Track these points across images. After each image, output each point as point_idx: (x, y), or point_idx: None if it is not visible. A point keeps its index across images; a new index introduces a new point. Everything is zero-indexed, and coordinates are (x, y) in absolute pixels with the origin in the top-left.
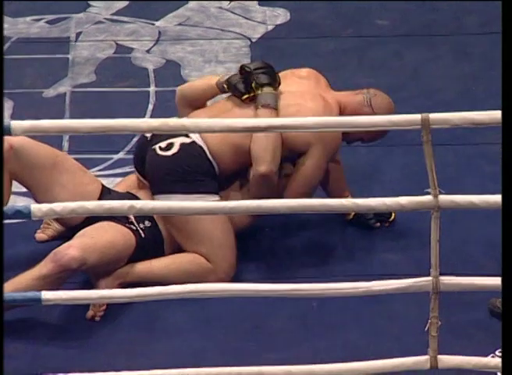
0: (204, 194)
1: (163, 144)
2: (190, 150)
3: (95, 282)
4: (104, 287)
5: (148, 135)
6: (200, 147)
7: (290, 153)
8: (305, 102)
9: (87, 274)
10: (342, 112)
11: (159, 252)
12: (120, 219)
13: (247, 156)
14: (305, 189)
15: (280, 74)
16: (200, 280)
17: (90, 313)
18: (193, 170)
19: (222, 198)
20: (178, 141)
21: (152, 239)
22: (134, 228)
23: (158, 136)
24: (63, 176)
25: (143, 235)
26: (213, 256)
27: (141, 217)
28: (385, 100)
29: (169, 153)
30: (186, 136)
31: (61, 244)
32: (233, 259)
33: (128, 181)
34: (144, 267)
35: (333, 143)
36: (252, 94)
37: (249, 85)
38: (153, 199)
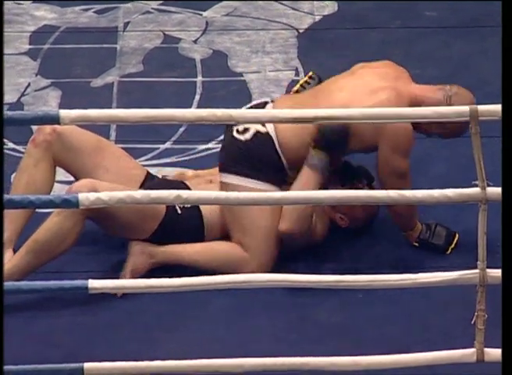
0: (267, 183)
1: (240, 127)
2: (262, 140)
3: (128, 260)
4: (137, 264)
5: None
6: (271, 138)
7: (365, 150)
8: (369, 97)
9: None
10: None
11: (197, 236)
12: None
13: None
14: (392, 180)
15: (356, 66)
16: (233, 271)
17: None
18: (260, 160)
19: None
20: (253, 128)
21: (189, 220)
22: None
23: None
24: (107, 160)
25: (179, 211)
26: (255, 247)
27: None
28: (466, 100)
29: (243, 138)
30: (263, 124)
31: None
32: (275, 254)
33: (186, 173)
34: (178, 250)
35: (401, 137)
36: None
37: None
38: (218, 178)
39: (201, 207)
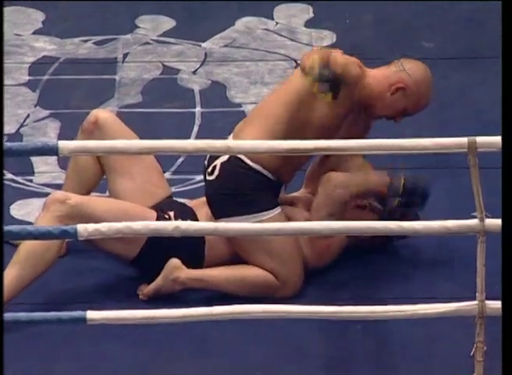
0: (261, 212)
1: (210, 168)
2: (231, 167)
3: (158, 281)
4: (164, 289)
5: (205, 162)
6: (240, 159)
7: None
8: None
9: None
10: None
11: (197, 256)
12: (157, 209)
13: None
14: None
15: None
16: (265, 296)
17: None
18: (240, 188)
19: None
20: (218, 162)
21: (188, 238)
22: (166, 217)
23: (209, 161)
24: (136, 168)
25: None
26: (281, 272)
27: (184, 215)
28: (418, 65)
29: (213, 177)
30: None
31: None
32: (301, 275)
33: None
34: (209, 277)
35: None
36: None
37: None
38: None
39: (201, 221)
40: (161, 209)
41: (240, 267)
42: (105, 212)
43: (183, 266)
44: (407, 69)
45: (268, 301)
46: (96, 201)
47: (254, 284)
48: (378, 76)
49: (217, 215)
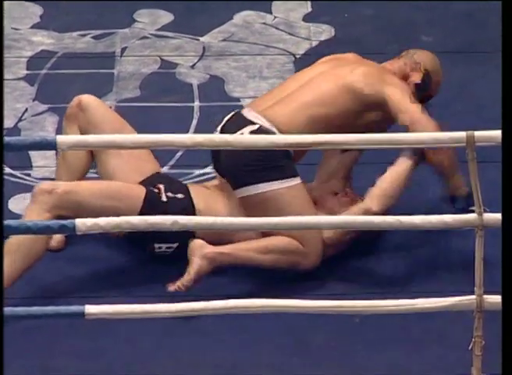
0: (285, 179)
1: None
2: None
3: (190, 262)
4: (202, 269)
5: (218, 129)
6: (268, 131)
7: (369, 109)
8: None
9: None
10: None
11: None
12: (146, 185)
13: (323, 127)
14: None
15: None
16: (292, 265)
17: (173, 287)
18: (266, 157)
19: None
20: (246, 131)
21: (179, 211)
22: (156, 191)
23: (229, 128)
24: None
25: (164, 199)
26: (306, 237)
27: (174, 189)
28: (427, 54)
29: None
30: (253, 123)
31: None
32: (321, 246)
33: (202, 185)
34: (236, 250)
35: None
36: None
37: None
38: (230, 195)
39: (193, 197)
40: (151, 183)
41: (264, 238)
42: (94, 196)
43: (207, 244)
44: (418, 61)
45: (268, 296)
46: (84, 186)
47: (281, 251)
48: (398, 74)
49: (238, 183)
